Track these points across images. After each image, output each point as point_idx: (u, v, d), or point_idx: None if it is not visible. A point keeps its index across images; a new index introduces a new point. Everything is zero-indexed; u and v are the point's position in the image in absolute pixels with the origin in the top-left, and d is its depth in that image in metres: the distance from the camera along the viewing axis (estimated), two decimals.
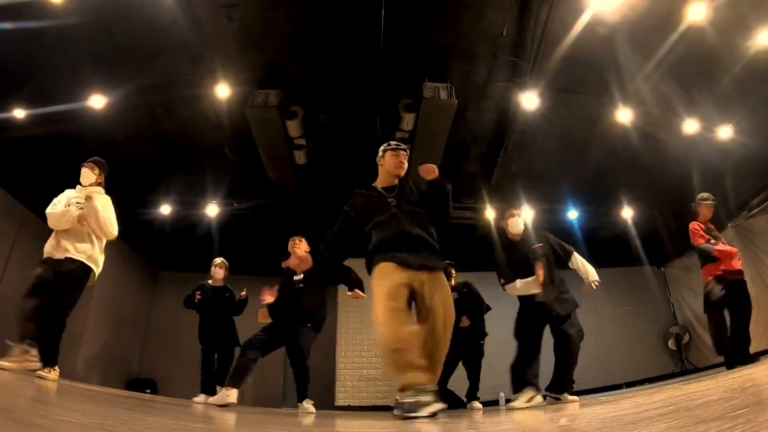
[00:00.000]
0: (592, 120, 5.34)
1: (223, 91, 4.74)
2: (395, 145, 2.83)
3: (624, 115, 5.07)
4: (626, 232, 7.34)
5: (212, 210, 6.74)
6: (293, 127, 5.11)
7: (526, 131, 5.40)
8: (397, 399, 2.10)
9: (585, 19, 4.02)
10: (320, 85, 4.93)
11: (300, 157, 5.49)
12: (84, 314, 6.48)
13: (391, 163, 2.77)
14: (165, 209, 6.64)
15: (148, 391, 7.24)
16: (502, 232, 3.95)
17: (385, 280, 2.41)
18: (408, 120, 5.03)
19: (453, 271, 5.16)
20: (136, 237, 7.52)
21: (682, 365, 7.74)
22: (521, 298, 3.66)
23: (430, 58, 4.65)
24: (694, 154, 5.58)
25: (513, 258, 3.69)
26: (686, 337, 7.91)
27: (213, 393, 4.55)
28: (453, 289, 5.04)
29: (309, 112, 5.13)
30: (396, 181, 2.79)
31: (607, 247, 7.70)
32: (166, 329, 8.23)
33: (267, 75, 4.80)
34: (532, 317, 3.56)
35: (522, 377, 3.46)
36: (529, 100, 4.85)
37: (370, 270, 2.55)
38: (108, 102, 4.79)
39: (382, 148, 2.83)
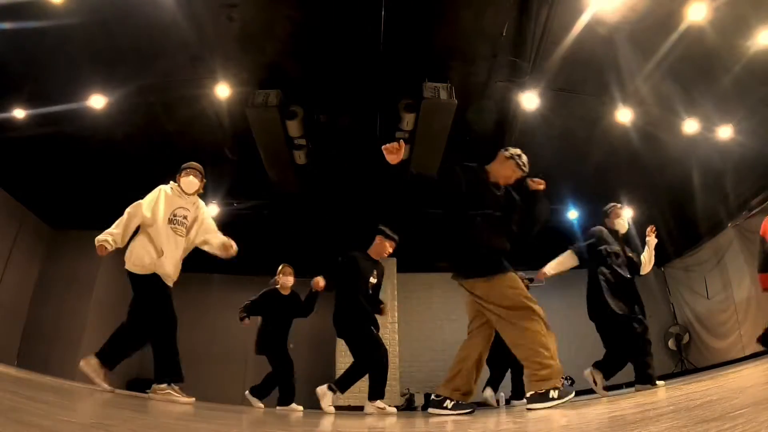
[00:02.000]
0: (592, 120, 5.34)
1: (223, 91, 4.74)
2: (518, 155, 2.79)
3: (624, 115, 5.07)
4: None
5: (212, 210, 6.74)
6: (293, 127, 5.11)
7: (526, 131, 5.40)
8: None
9: (585, 19, 4.02)
10: (320, 85, 4.93)
11: (300, 157, 5.49)
12: (84, 314, 6.49)
13: (504, 173, 2.77)
14: None
15: (148, 391, 7.23)
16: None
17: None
18: (408, 120, 5.02)
19: None
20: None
21: (682, 365, 7.74)
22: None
23: (430, 58, 4.65)
24: (694, 154, 5.59)
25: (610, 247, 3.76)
26: (686, 337, 7.90)
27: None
28: None
29: (309, 112, 5.13)
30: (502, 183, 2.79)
31: None
32: None
33: (267, 75, 4.79)
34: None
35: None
36: (529, 100, 4.85)
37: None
38: (108, 102, 4.80)
39: (507, 155, 2.79)
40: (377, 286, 3.97)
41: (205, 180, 3.42)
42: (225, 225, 6.93)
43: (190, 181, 3.31)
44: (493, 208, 2.62)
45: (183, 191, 3.27)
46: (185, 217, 3.22)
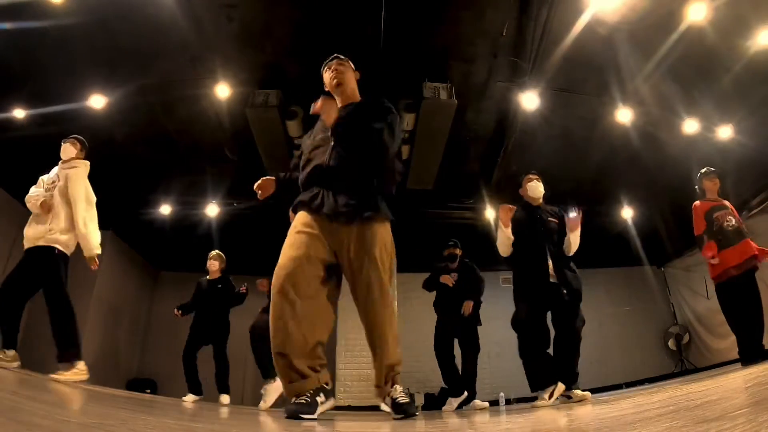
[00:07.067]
0: (592, 120, 5.34)
1: (223, 91, 4.74)
2: (326, 61, 2.47)
3: (624, 115, 5.07)
4: (626, 232, 7.34)
5: (212, 210, 6.74)
6: (293, 127, 5.11)
7: (526, 131, 5.40)
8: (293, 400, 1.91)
9: (585, 19, 4.02)
10: (320, 85, 4.92)
11: None
12: (84, 313, 6.49)
13: (327, 81, 2.42)
14: (165, 209, 6.65)
15: (148, 391, 7.24)
16: (517, 197, 3.78)
17: (291, 236, 2.06)
18: (408, 120, 5.03)
19: (458, 252, 5.12)
20: (136, 237, 7.53)
21: (682, 365, 7.75)
22: (523, 282, 3.43)
23: (430, 58, 4.65)
24: (694, 154, 5.58)
25: (523, 220, 3.51)
26: (686, 337, 7.92)
27: (200, 392, 4.73)
28: (455, 269, 5.03)
29: (309, 112, 5.12)
30: (349, 99, 2.39)
31: (607, 247, 7.70)
32: (166, 329, 8.23)
33: (267, 75, 4.79)
34: (535, 303, 3.32)
35: (539, 374, 3.22)
36: (529, 100, 4.86)
37: None
38: (108, 102, 4.80)
39: None
40: None
41: (82, 146, 3.65)
42: (225, 225, 6.99)
43: (64, 148, 3.57)
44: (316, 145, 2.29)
45: (62, 159, 3.56)
46: (53, 182, 3.45)
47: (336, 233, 2.06)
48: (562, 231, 3.52)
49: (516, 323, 3.40)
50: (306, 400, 1.89)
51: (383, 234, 2.12)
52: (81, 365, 3.09)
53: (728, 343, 6.76)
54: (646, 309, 8.40)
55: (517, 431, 1.41)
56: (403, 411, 2.00)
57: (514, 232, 3.47)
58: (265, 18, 4.23)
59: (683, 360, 7.81)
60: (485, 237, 7.01)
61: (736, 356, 3.86)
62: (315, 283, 2.01)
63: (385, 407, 2.08)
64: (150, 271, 8.62)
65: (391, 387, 2.09)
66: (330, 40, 4.45)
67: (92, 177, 3.70)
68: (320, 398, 1.93)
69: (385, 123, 2.20)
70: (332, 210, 2.05)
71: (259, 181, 2.33)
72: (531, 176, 3.72)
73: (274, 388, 3.85)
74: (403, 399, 2.05)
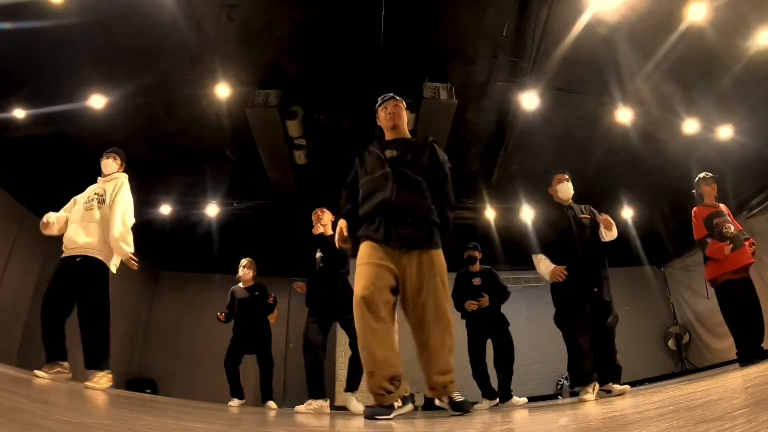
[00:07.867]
0: (592, 120, 5.34)
1: (223, 91, 4.74)
2: (381, 99, 2.77)
3: (624, 115, 5.07)
4: (626, 232, 7.34)
5: (212, 210, 6.73)
6: (293, 127, 5.11)
7: (526, 131, 5.40)
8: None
9: (585, 19, 4.02)
10: (320, 85, 4.93)
11: (300, 157, 5.49)
12: None
13: (382, 119, 2.72)
14: (165, 209, 6.64)
15: (148, 391, 7.24)
16: (549, 199, 3.71)
17: (362, 267, 2.32)
18: (408, 120, 5.03)
19: (478, 254, 5.04)
20: (136, 237, 7.52)
21: (682, 365, 7.76)
22: (561, 282, 3.35)
23: (430, 58, 4.65)
24: (694, 154, 5.59)
25: (556, 223, 3.48)
26: (686, 337, 7.92)
27: (242, 396, 4.67)
28: (477, 274, 5.00)
29: (309, 112, 5.13)
30: (401, 135, 2.67)
31: (607, 247, 7.69)
32: (166, 329, 8.25)
33: (267, 75, 4.79)
34: (574, 300, 3.29)
35: (583, 369, 3.15)
36: (529, 100, 4.85)
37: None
38: (108, 102, 4.79)
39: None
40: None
41: (124, 163, 3.74)
42: (225, 225, 6.99)
43: (105, 163, 3.61)
44: (373, 173, 2.51)
45: (103, 174, 3.60)
46: (97, 194, 3.47)
47: (400, 260, 2.34)
48: (594, 226, 3.53)
49: (560, 321, 3.39)
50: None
51: (440, 261, 2.40)
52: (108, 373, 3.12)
53: (728, 343, 6.73)
54: (646, 309, 8.39)
55: (517, 431, 1.41)
56: (459, 408, 2.24)
57: (549, 234, 3.50)
58: (266, 18, 4.23)
59: (683, 360, 7.81)
60: (485, 237, 7.01)
61: (736, 357, 3.85)
62: (387, 308, 2.28)
63: (440, 404, 2.33)
64: (150, 271, 8.61)
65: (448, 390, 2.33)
66: (330, 40, 4.45)
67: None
68: (396, 403, 2.20)
69: (446, 169, 2.56)
70: (397, 241, 2.33)
71: (340, 232, 2.52)
72: (561, 176, 3.62)
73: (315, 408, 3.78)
74: (459, 398, 2.28)
